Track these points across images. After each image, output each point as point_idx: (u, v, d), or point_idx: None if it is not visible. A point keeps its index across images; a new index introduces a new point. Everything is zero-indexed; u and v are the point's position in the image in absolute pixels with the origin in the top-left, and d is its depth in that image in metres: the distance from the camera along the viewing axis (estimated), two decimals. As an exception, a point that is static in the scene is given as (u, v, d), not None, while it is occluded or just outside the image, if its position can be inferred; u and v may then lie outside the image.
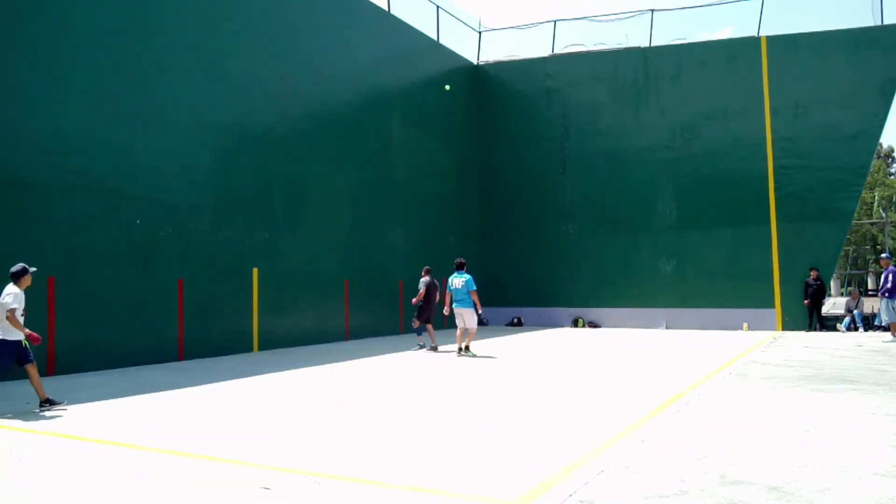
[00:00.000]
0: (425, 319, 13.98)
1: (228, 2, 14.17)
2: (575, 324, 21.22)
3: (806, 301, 18.50)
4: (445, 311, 13.78)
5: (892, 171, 65.87)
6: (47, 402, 7.69)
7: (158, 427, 6.65)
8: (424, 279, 14.07)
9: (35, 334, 7.84)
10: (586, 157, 21.48)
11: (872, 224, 58.10)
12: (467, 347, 12.93)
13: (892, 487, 4.38)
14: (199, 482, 4.75)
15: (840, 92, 18.69)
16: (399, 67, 19.29)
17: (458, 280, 13.12)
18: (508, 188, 22.48)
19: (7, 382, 9.71)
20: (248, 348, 14.04)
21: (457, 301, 13.02)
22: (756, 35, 19.94)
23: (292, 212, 15.41)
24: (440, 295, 14.57)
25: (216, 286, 13.42)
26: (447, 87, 17.47)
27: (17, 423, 6.90)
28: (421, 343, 14.37)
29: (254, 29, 14.66)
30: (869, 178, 48.78)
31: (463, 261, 13.62)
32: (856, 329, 18.33)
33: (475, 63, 23.35)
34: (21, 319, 7.57)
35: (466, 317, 12.90)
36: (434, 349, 13.84)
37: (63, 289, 10.74)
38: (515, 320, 21.98)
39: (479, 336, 17.79)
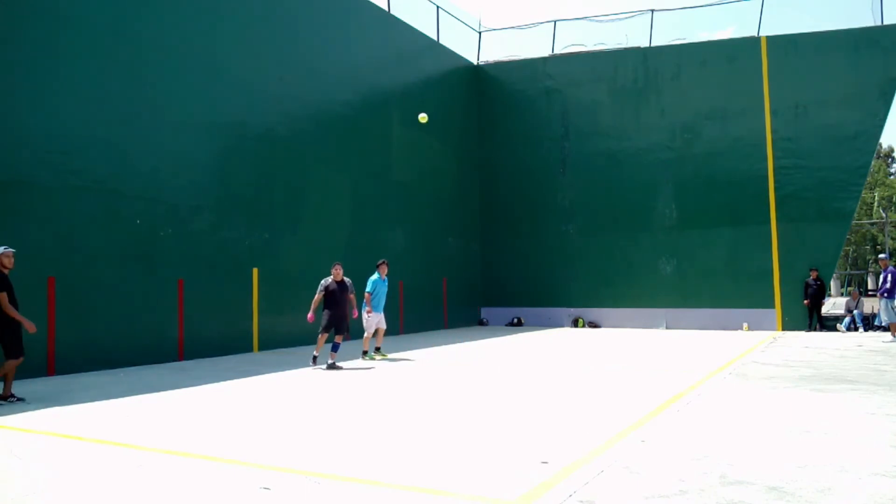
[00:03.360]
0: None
1: (228, 2, 14.17)
2: (575, 324, 21.22)
3: (806, 301, 18.50)
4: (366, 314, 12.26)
5: (892, 171, 65.88)
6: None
7: (158, 427, 6.65)
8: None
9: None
10: (586, 157, 21.48)
11: (872, 224, 58.11)
12: (377, 349, 12.73)
13: (892, 487, 4.38)
14: (199, 482, 4.75)
15: (840, 92, 18.69)
16: (399, 67, 19.29)
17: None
18: (508, 188, 22.48)
19: (7, 382, 9.71)
20: (248, 348, 14.04)
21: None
22: (756, 35, 19.94)
23: (292, 212, 15.41)
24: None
25: (216, 286, 13.42)
26: (423, 118, 15.60)
27: (17, 423, 6.90)
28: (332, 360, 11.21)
29: (254, 29, 14.66)
30: (869, 178, 48.83)
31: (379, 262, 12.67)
32: (856, 329, 18.33)
33: (475, 63, 23.34)
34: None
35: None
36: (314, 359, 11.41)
37: (63, 289, 10.74)
38: (515, 320, 21.98)
39: (476, 336, 17.80)
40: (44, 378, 10.26)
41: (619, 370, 10.78)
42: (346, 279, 11.57)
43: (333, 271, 11.40)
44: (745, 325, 19.16)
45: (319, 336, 11.29)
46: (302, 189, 15.70)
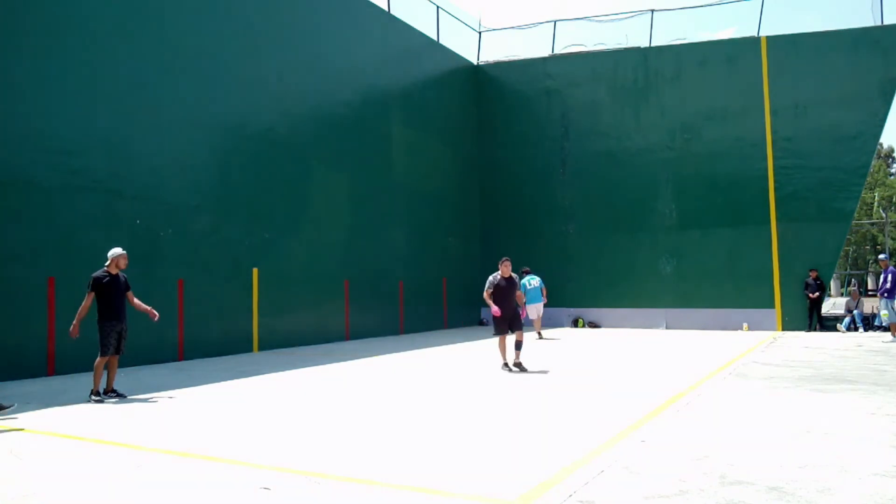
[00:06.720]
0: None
1: (228, 2, 14.17)
2: (575, 324, 21.22)
3: (812, 296, 18.39)
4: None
5: (892, 171, 65.89)
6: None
7: (158, 427, 6.65)
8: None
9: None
10: (586, 157, 21.47)
11: (872, 224, 58.12)
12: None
13: (892, 487, 4.38)
14: (199, 482, 4.75)
15: (840, 92, 18.68)
16: (399, 67, 19.29)
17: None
18: (508, 188, 22.47)
19: (6, 383, 9.71)
20: (248, 348, 14.04)
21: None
22: (756, 35, 19.93)
23: (292, 212, 15.41)
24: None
25: (216, 286, 13.41)
26: None
27: (17, 423, 6.90)
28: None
29: (254, 29, 14.66)
30: (869, 178, 48.79)
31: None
32: (856, 329, 18.32)
33: (475, 63, 23.34)
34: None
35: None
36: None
37: (63, 289, 10.74)
38: (515, 320, 21.95)
39: (476, 336, 17.80)
40: (44, 378, 10.27)
41: (619, 370, 10.77)
42: (514, 275, 10.82)
43: (502, 267, 10.68)
44: (745, 325, 19.15)
45: (501, 340, 10.74)
46: (302, 189, 15.70)
